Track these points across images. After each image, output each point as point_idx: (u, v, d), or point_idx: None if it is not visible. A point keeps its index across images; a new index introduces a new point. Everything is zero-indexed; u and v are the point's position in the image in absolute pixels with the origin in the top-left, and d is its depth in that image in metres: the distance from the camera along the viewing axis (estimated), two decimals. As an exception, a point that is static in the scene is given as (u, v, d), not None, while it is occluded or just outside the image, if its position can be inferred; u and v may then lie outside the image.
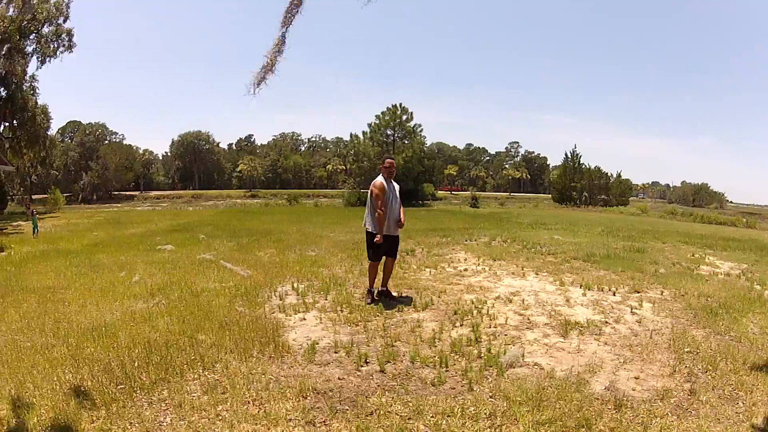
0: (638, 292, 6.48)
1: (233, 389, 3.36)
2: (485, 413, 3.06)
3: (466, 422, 2.96)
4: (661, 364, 3.98)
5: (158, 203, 61.21)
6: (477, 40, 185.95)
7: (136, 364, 3.77)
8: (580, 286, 6.68)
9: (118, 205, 55.37)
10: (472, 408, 3.13)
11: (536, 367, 3.87)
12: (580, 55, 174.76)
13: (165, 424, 2.95)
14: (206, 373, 3.67)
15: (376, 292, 5.86)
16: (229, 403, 3.16)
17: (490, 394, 3.37)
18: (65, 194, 50.66)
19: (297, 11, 2.96)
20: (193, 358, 3.91)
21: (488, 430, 2.88)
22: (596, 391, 3.44)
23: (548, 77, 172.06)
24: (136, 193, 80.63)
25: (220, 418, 3.00)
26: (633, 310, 5.57)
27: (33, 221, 15.47)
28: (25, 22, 24.33)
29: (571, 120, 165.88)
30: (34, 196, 64.69)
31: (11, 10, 24.05)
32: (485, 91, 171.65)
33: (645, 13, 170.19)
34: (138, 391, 3.35)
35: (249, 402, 3.19)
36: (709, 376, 3.72)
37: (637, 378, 3.69)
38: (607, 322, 5.07)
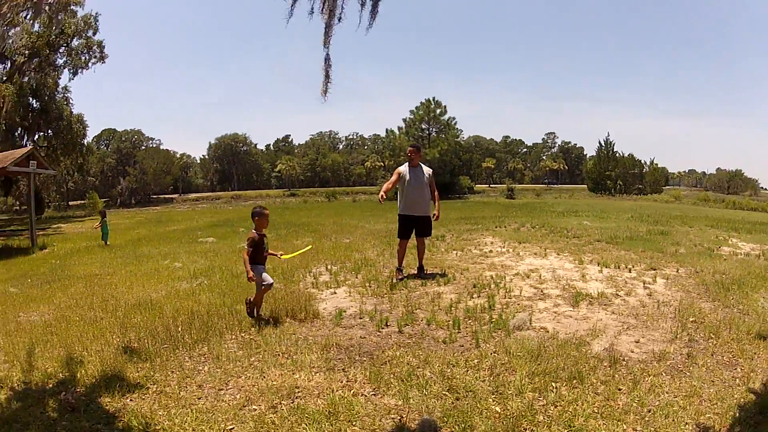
0: (654, 269, 6.53)
1: (266, 345, 3.84)
2: (487, 365, 3.41)
3: (468, 371, 3.32)
4: (664, 331, 4.06)
5: (197, 204, 61.44)
6: (509, 29, 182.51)
7: (180, 329, 4.18)
8: (598, 264, 6.81)
9: (158, 207, 56.12)
10: (476, 360, 3.49)
11: (542, 330, 4.13)
12: (613, 39, 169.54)
13: (203, 371, 3.41)
14: (243, 334, 4.17)
15: (406, 271, 6.24)
16: (261, 355, 3.64)
17: (494, 350, 3.69)
18: (103, 199, 51.32)
19: (332, 31, 3.38)
20: (231, 323, 4.39)
21: (487, 378, 3.21)
22: (595, 351, 3.64)
23: (582, 63, 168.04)
24: (175, 195, 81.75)
25: (253, 366, 3.46)
26: (646, 285, 5.66)
27: (103, 228, 12.09)
28: (53, 37, 25.18)
29: (608, 107, 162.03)
30: (71, 202, 66.57)
31: (36, 25, 24.46)
32: (520, 81, 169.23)
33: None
34: (180, 348, 3.78)
35: (279, 354, 3.66)
36: (710, 344, 3.76)
37: (637, 342, 3.83)
38: (617, 295, 5.20)
